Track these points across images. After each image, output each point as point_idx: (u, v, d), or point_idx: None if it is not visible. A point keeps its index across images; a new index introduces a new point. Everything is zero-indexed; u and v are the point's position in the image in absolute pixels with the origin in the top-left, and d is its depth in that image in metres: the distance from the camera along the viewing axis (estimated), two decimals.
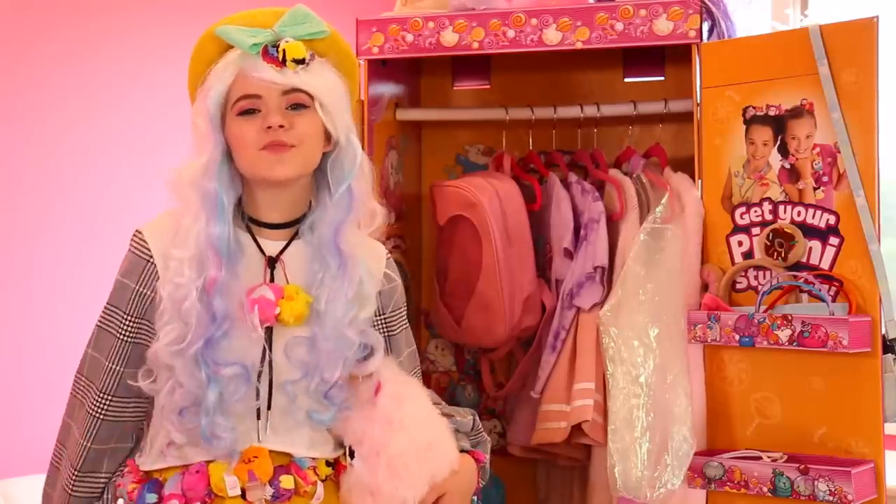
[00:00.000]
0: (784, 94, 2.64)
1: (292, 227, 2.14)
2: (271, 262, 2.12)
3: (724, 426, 2.70)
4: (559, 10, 2.80)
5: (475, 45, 2.86)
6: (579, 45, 2.80)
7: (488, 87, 3.21)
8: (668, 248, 2.73)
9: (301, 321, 2.08)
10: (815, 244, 2.61)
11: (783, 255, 2.63)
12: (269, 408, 2.09)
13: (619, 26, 2.76)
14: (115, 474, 2.16)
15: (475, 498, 2.23)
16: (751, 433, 2.67)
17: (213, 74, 2.09)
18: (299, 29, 2.07)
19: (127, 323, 2.10)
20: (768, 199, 2.67)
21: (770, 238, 2.64)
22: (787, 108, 2.64)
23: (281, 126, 2.04)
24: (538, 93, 3.12)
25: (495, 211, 2.86)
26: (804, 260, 2.62)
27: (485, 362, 3.10)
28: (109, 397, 2.12)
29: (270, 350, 2.08)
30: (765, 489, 2.54)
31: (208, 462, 2.08)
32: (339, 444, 2.18)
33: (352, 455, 2.15)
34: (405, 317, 2.29)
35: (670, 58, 3.01)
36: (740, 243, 2.71)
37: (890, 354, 2.53)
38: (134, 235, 2.12)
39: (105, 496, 2.16)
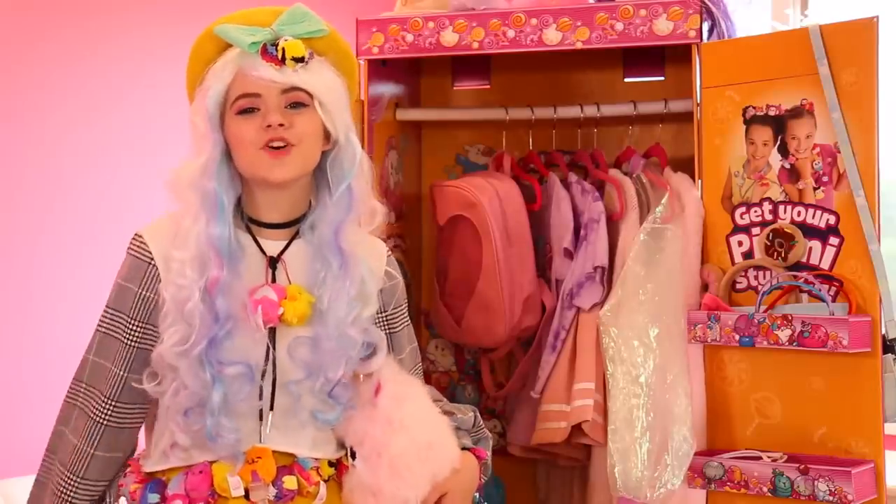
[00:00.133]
0: (784, 94, 2.64)
1: (292, 226, 2.14)
2: (272, 263, 2.11)
3: (724, 426, 2.70)
4: (559, 10, 2.80)
5: (475, 45, 2.86)
6: (579, 45, 2.80)
7: (488, 87, 3.21)
8: (668, 248, 2.73)
9: (304, 321, 2.08)
10: (815, 244, 2.61)
11: (783, 255, 2.63)
12: (272, 408, 2.09)
13: (619, 26, 2.76)
14: (114, 480, 2.15)
15: (477, 495, 2.23)
16: (751, 433, 2.67)
17: (211, 73, 2.08)
18: (298, 28, 2.07)
19: (132, 327, 2.09)
20: (768, 199, 2.67)
21: (770, 238, 2.64)
22: (787, 108, 2.64)
23: (280, 125, 2.03)
24: (538, 93, 3.12)
25: (495, 211, 2.86)
26: (804, 260, 2.62)
27: (485, 362, 3.10)
28: (114, 403, 2.10)
29: (274, 350, 2.08)
30: (765, 489, 2.54)
31: (211, 462, 2.08)
32: (342, 444, 2.18)
33: (353, 456, 2.15)
34: (406, 314, 2.29)
35: (670, 58, 3.01)
36: (740, 243, 2.71)
37: (890, 354, 2.53)
38: (133, 239, 2.11)
39: (107, 499, 2.16)
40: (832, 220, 2.59)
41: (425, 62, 3.16)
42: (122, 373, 2.09)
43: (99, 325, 2.12)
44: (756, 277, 2.68)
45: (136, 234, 2.12)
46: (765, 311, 2.59)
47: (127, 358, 2.09)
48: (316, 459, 2.14)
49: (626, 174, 2.91)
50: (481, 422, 2.30)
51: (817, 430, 2.60)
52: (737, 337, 2.61)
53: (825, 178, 2.60)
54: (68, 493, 2.13)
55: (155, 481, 2.10)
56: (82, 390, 2.13)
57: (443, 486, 2.13)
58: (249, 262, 2.09)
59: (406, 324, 2.29)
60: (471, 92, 3.24)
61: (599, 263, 2.81)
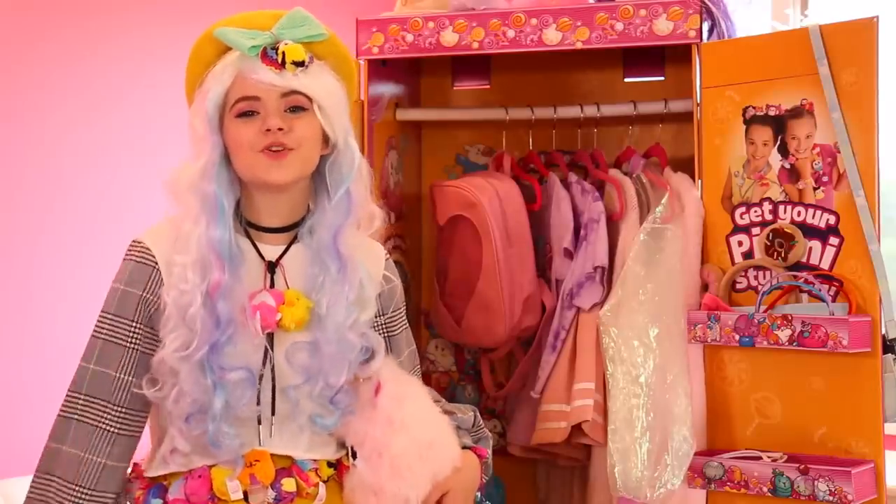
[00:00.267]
0: (784, 94, 2.64)
1: (291, 230, 2.13)
2: (271, 267, 2.11)
3: (724, 426, 2.70)
4: (559, 10, 2.80)
5: (475, 45, 2.86)
6: (579, 45, 2.80)
7: (488, 87, 3.21)
8: (668, 248, 2.73)
9: (302, 326, 2.08)
10: (815, 244, 2.61)
11: (783, 255, 2.63)
12: (272, 413, 2.09)
13: (619, 26, 2.76)
14: (121, 492, 2.11)
15: (479, 494, 2.23)
16: (751, 433, 2.67)
17: (211, 76, 2.08)
18: (298, 31, 2.07)
19: (134, 331, 2.07)
20: (768, 199, 2.67)
21: (770, 238, 2.64)
22: (787, 108, 2.64)
23: (280, 129, 2.03)
24: (538, 93, 3.12)
25: (495, 211, 2.86)
26: (804, 260, 2.62)
27: (485, 362, 3.10)
28: (124, 410, 2.07)
29: (272, 355, 2.08)
30: (765, 489, 2.54)
31: (210, 466, 2.07)
32: (341, 445, 2.18)
33: (354, 456, 2.15)
34: (405, 317, 2.29)
35: (670, 58, 3.01)
36: (740, 243, 2.71)
37: (890, 354, 2.53)
38: (133, 245, 2.10)
39: None
40: (832, 220, 2.59)
41: (425, 62, 3.16)
42: (127, 378, 2.06)
43: (97, 333, 2.09)
44: (756, 277, 2.68)
45: (135, 241, 2.10)
46: (765, 311, 2.59)
47: (131, 363, 2.07)
48: (314, 461, 2.14)
49: (626, 174, 2.91)
50: (481, 421, 2.30)
51: (817, 430, 2.60)
52: (737, 337, 2.61)
53: (825, 178, 2.60)
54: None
55: (157, 486, 2.10)
56: (80, 402, 2.07)
57: (444, 485, 2.13)
58: (248, 267, 2.09)
59: (404, 327, 2.28)
60: (471, 92, 3.24)
61: (599, 263, 2.81)
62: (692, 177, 2.79)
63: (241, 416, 2.06)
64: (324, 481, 2.14)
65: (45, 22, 4.12)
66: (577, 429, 2.78)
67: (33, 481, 2.11)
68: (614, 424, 2.68)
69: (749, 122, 2.69)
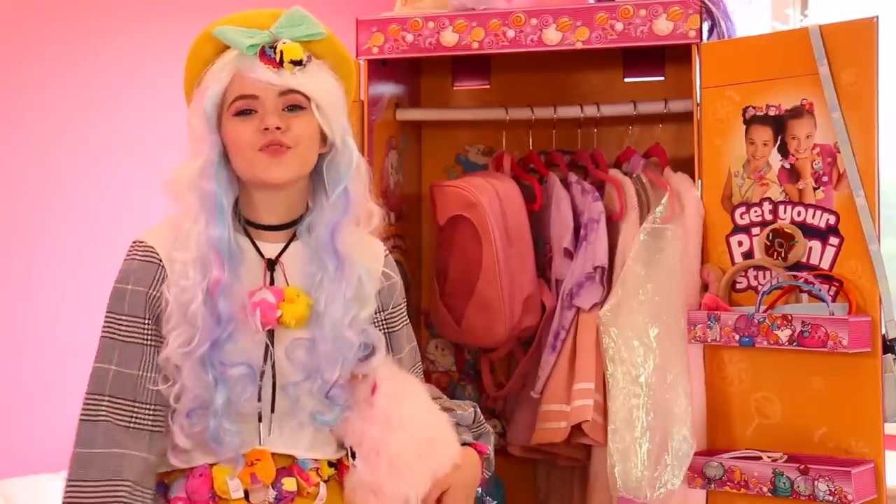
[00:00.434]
0: (784, 94, 2.64)
1: (290, 228, 2.14)
2: (270, 265, 2.11)
3: (724, 426, 2.70)
4: (559, 10, 2.80)
5: (475, 45, 2.86)
6: (579, 45, 2.80)
7: (488, 87, 3.21)
8: (668, 248, 2.73)
9: (302, 323, 2.08)
10: (815, 244, 2.61)
11: (783, 255, 2.63)
12: (272, 410, 2.09)
13: (619, 26, 2.76)
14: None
15: (480, 490, 2.23)
16: (751, 433, 2.67)
17: (209, 75, 2.08)
18: (296, 30, 2.07)
19: (148, 329, 2.07)
20: (768, 199, 2.67)
21: (770, 238, 2.64)
22: (787, 108, 2.64)
23: (277, 128, 2.03)
24: (538, 93, 3.12)
25: (495, 211, 2.86)
26: (804, 260, 2.62)
27: (485, 362, 3.10)
28: (152, 407, 2.05)
29: (272, 352, 2.08)
30: (765, 489, 2.54)
31: (211, 465, 2.08)
32: (342, 445, 2.18)
33: (353, 456, 2.15)
34: (405, 313, 2.29)
35: (670, 58, 3.01)
36: (740, 243, 2.71)
37: (890, 354, 2.53)
38: (135, 245, 2.10)
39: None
40: (832, 220, 2.59)
41: (425, 62, 3.16)
42: (150, 375, 2.05)
43: (112, 334, 2.07)
44: (756, 277, 2.68)
45: (136, 241, 2.10)
46: (765, 311, 2.59)
47: (150, 360, 2.06)
48: (315, 460, 2.14)
49: (626, 174, 2.91)
50: (482, 417, 2.29)
51: (817, 430, 2.60)
52: (737, 337, 2.61)
53: (825, 178, 2.60)
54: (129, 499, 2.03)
55: (158, 485, 2.10)
56: (106, 404, 2.05)
57: (444, 482, 2.13)
58: (248, 265, 2.09)
59: (405, 323, 2.29)
60: (471, 92, 3.24)
61: (599, 263, 2.81)
62: (692, 177, 2.79)
63: (242, 412, 2.06)
64: (324, 481, 2.14)
65: (45, 22, 4.12)
66: (577, 429, 2.78)
67: (76, 490, 2.05)
68: (614, 424, 2.68)
69: (749, 122, 2.69)
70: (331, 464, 2.17)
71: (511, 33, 2.83)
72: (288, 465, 2.11)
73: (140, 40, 4.35)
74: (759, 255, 2.67)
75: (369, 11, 3.01)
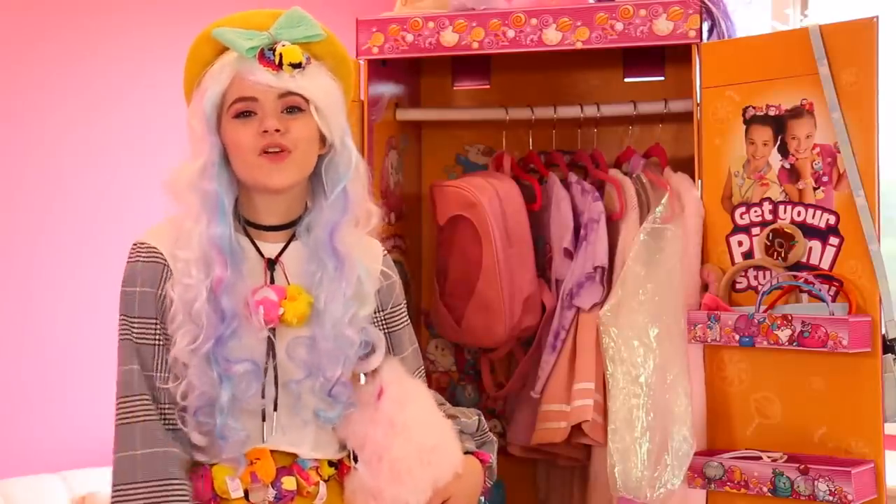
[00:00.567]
0: (784, 94, 2.64)
1: (289, 228, 2.15)
2: (271, 264, 2.12)
3: (724, 426, 2.70)
4: (559, 10, 2.80)
5: (475, 45, 2.86)
6: (579, 45, 2.79)
7: (488, 87, 3.21)
8: (668, 248, 2.73)
9: (303, 321, 2.09)
10: (815, 244, 2.61)
11: (783, 255, 2.63)
12: (275, 408, 2.10)
13: (619, 26, 2.76)
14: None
15: (482, 498, 2.23)
16: (751, 433, 2.67)
17: (209, 76, 2.09)
18: (295, 32, 2.07)
19: (159, 329, 2.08)
20: (768, 199, 2.67)
21: (770, 238, 2.64)
22: (787, 108, 2.64)
23: (277, 130, 2.04)
24: (538, 93, 3.12)
25: (495, 211, 2.86)
26: (804, 260, 2.62)
27: (485, 362, 3.10)
28: (170, 406, 2.07)
29: (275, 350, 2.09)
30: (765, 489, 2.54)
31: (211, 465, 2.08)
32: (344, 445, 2.18)
33: (355, 458, 2.15)
34: (406, 313, 2.30)
35: (670, 58, 3.01)
36: (740, 243, 2.71)
37: (890, 354, 2.53)
38: (137, 246, 2.10)
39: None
40: (832, 220, 2.59)
41: (425, 62, 3.16)
42: (165, 375, 2.07)
43: (131, 337, 2.07)
44: (756, 277, 2.68)
45: (138, 243, 2.11)
46: (765, 311, 2.59)
47: (163, 360, 2.07)
48: (316, 460, 2.14)
49: (626, 174, 2.90)
50: (485, 426, 2.29)
51: (817, 430, 2.60)
52: (737, 337, 2.61)
53: (825, 178, 2.60)
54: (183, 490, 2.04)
55: None
56: (139, 404, 2.05)
57: (445, 490, 2.13)
58: (249, 264, 2.11)
59: (406, 323, 2.29)
60: (471, 92, 3.24)
61: (599, 263, 2.81)
62: (692, 177, 2.78)
63: (246, 409, 2.07)
64: (324, 480, 2.14)
65: (45, 22, 4.12)
66: (577, 429, 2.77)
67: (125, 494, 2.04)
68: (614, 424, 2.68)
69: (749, 122, 2.69)
70: (331, 463, 2.17)
71: (511, 33, 2.83)
72: (288, 465, 2.11)
73: (140, 40, 4.35)
74: (759, 255, 2.67)
75: (369, 11, 3.01)
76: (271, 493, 2.09)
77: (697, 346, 2.71)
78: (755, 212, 2.69)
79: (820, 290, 2.55)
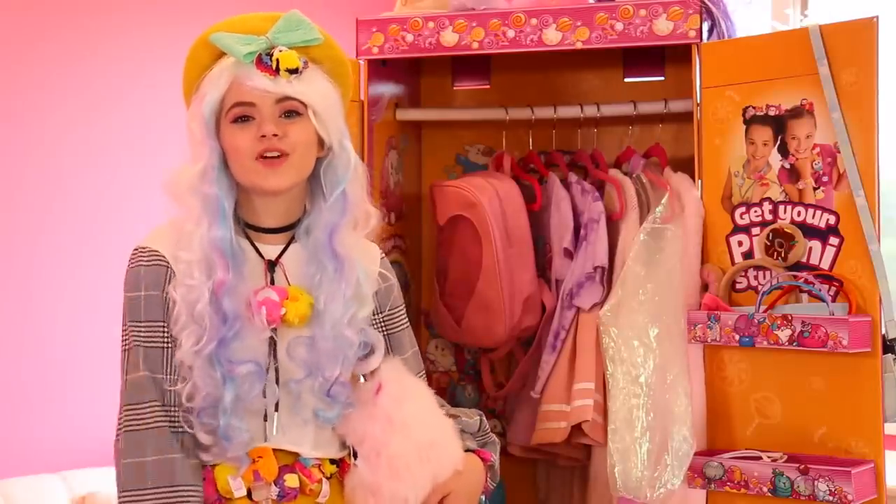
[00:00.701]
0: (784, 94, 2.64)
1: (289, 230, 2.16)
2: (271, 266, 2.13)
3: (724, 426, 2.70)
4: (559, 10, 2.80)
5: (475, 45, 2.86)
6: (579, 45, 2.79)
7: (488, 87, 3.21)
8: (668, 248, 2.73)
9: (305, 322, 2.10)
10: (815, 244, 2.61)
11: (783, 255, 2.63)
12: (276, 408, 2.10)
13: (619, 26, 2.76)
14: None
15: (483, 497, 2.23)
16: (751, 433, 2.67)
17: (207, 81, 2.10)
18: (293, 36, 2.08)
19: (166, 331, 2.07)
20: (768, 199, 2.67)
21: (770, 238, 2.64)
22: (787, 108, 2.64)
23: (275, 135, 2.06)
24: (538, 93, 3.12)
25: (495, 211, 2.86)
26: (804, 260, 2.62)
27: (485, 362, 3.10)
28: (178, 409, 2.06)
29: (276, 350, 2.09)
30: (765, 489, 2.54)
31: (213, 466, 2.08)
32: (345, 444, 2.19)
33: (355, 455, 2.16)
34: (405, 316, 2.30)
35: (670, 58, 3.01)
36: (740, 243, 2.71)
37: (890, 354, 2.53)
38: (138, 251, 2.11)
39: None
40: (832, 220, 2.59)
41: (425, 62, 3.16)
42: (173, 377, 2.06)
43: (140, 342, 2.07)
44: (756, 277, 2.68)
45: (138, 248, 2.11)
46: (765, 311, 2.59)
47: (171, 363, 2.07)
48: (317, 458, 2.14)
49: (626, 174, 2.90)
50: (487, 426, 2.29)
51: (817, 430, 2.60)
52: (737, 337, 2.61)
53: (825, 178, 2.60)
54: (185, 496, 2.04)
55: None
56: (149, 411, 2.05)
57: (444, 486, 2.13)
58: (250, 266, 2.11)
59: (405, 326, 2.29)
60: (471, 92, 3.24)
61: (599, 263, 2.81)
62: (692, 177, 2.78)
63: (249, 409, 2.07)
64: (327, 478, 2.14)
65: (45, 22, 4.12)
66: (577, 429, 2.78)
67: (134, 499, 2.03)
68: (614, 424, 2.68)
69: (749, 122, 2.69)
70: (333, 462, 2.17)
71: (511, 33, 2.83)
72: (290, 463, 2.12)
73: (140, 40, 4.35)
74: (759, 255, 2.67)
75: (369, 11, 3.01)
76: (274, 491, 2.09)
77: (697, 346, 2.71)
78: (755, 212, 2.69)
79: (820, 290, 2.55)
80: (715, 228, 2.74)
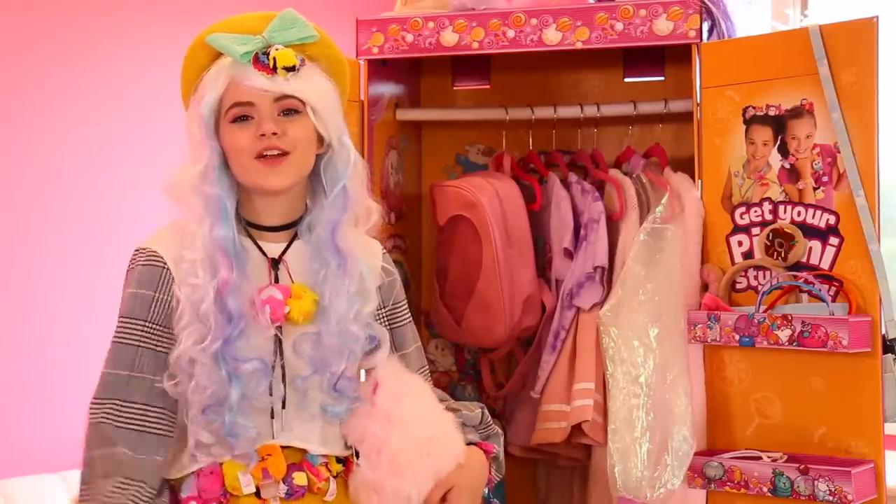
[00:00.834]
0: (784, 94, 2.64)
1: (291, 228, 2.16)
2: (274, 264, 2.13)
3: (724, 426, 2.70)
4: (559, 10, 2.80)
5: (475, 45, 2.86)
6: (579, 45, 2.80)
7: (488, 87, 3.21)
8: (668, 248, 2.73)
9: (309, 319, 2.11)
10: (815, 244, 2.61)
11: (783, 255, 2.63)
12: (283, 405, 2.11)
13: (619, 26, 2.76)
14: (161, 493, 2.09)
15: (487, 490, 2.22)
16: (751, 433, 2.67)
17: (205, 81, 2.11)
18: (289, 34, 2.09)
19: (156, 332, 2.08)
20: (768, 199, 2.67)
21: (770, 238, 2.64)
22: (787, 108, 2.64)
23: (274, 133, 2.06)
24: (538, 93, 3.12)
25: (495, 211, 2.87)
26: (804, 260, 2.62)
27: (485, 362, 3.10)
28: (164, 411, 2.06)
29: (282, 348, 2.10)
30: (765, 489, 2.54)
31: (222, 462, 2.08)
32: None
33: (357, 454, 2.16)
34: (407, 310, 2.31)
35: (670, 58, 3.01)
36: (740, 243, 2.71)
37: (890, 354, 2.53)
38: (138, 252, 2.11)
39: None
40: (832, 220, 2.59)
41: (425, 62, 3.16)
42: (162, 377, 2.06)
43: (125, 339, 2.07)
44: (756, 277, 2.68)
45: (139, 248, 2.12)
46: (765, 311, 2.59)
47: (160, 364, 2.06)
48: (325, 456, 2.15)
49: (626, 174, 2.91)
50: (489, 418, 2.28)
51: (817, 430, 2.60)
52: (737, 337, 2.61)
53: (825, 178, 2.60)
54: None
55: (169, 489, 2.10)
56: (118, 407, 2.05)
57: (447, 481, 2.12)
58: (253, 265, 2.12)
59: (408, 320, 2.30)
60: (471, 92, 3.24)
61: (599, 263, 2.81)
62: (692, 177, 2.79)
63: (255, 407, 2.08)
64: (333, 476, 2.15)
65: (45, 22, 4.12)
66: (577, 429, 2.78)
67: (90, 490, 2.03)
68: (614, 424, 2.68)
69: (749, 122, 2.69)
70: (339, 460, 2.17)
71: (511, 33, 2.83)
72: (298, 461, 2.12)
73: (140, 40, 4.35)
74: (759, 255, 2.67)
75: (369, 11, 3.01)
76: (282, 488, 2.10)
77: (697, 346, 2.71)
78: (755, 212, 2.69)
79: (820, 290, 2.55)
80: (715, 228, 2.74)
